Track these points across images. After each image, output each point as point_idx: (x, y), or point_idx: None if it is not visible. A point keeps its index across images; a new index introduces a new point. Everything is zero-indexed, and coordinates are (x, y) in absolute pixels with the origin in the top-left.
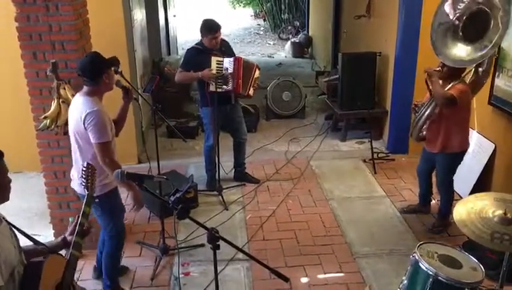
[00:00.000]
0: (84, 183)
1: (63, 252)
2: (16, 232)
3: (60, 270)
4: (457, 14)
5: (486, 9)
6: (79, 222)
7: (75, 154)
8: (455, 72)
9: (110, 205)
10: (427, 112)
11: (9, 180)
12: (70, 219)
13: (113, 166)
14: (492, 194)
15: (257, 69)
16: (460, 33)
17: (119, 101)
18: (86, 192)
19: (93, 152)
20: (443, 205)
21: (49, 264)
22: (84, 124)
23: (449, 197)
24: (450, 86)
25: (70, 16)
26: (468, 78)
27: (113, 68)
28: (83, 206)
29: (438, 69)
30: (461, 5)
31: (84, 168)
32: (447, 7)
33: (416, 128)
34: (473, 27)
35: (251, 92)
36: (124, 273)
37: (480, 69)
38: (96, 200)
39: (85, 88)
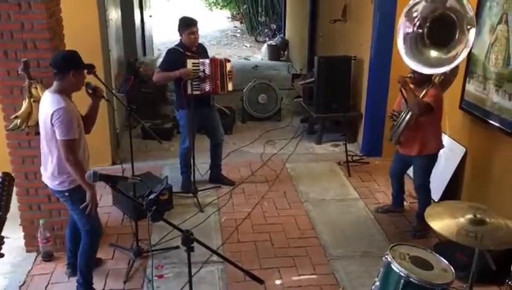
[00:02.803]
0: None
1: None
2: None
3: None
4: (418, 23)
5: (449, 13)
6: None
7: (43, 151)
8: (426, 77)
9: (81, 199)
10: (406, 118)
11: None
12: (41, 221)
13: (76, 165)
14: (465, 203)
15: (227, 62)
16: (428, 40)
17: (89, 98)
18: None
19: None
20: (422, 208)
21: None
22: (51, 121)
23: (428, 200)
24: (423, 92)
25: (42, 14)
26: (436, 79)
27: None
28: None
29: (409, 76)
30: (416, 14)
31: None
32: (403, 21)
33: (396, 135)
34: (440, 32)
35: (230, 86)
36: (99, 265)
37: None
38: (66, 194)
39: (54, 85)
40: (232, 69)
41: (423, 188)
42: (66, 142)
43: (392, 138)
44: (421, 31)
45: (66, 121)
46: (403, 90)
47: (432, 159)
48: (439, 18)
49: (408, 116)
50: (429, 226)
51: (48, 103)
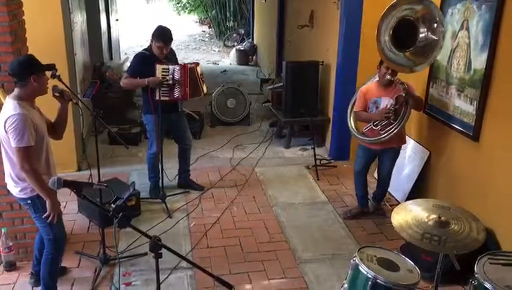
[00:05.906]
0: None
1: None
2: None
3: None
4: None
5: (410, 18)
6: None
7: (4, 158)
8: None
9: (44, 206)
10: (406, 113)
11: None
12: (3, 230)
13: (32, 173)
14: (431, 201)
15: (197, 66)
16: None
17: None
18: None
19: None
20: (383, 194)
21: None
22: (5, 127)
23: (388, 185)
24: (404, 89)
25: (4, 17)
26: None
27: (51, 72)
28: None
29: (388, 73)
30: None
31: None
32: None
33: (399, 128)
34: (403, 36)
35: (205, 89)
36: (63, 274)
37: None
38: (29, 201)
39: (15, 91)
40: (202, 72)
41: (389, 177)
42: (19, 150)
43: (386, 136)
44: (387, 38)
45: (19, 127)
46: (411, 98)
47: (400, 150)
48: (398, 25)
49: (408, 111)
50: None
51: (5, 110)
